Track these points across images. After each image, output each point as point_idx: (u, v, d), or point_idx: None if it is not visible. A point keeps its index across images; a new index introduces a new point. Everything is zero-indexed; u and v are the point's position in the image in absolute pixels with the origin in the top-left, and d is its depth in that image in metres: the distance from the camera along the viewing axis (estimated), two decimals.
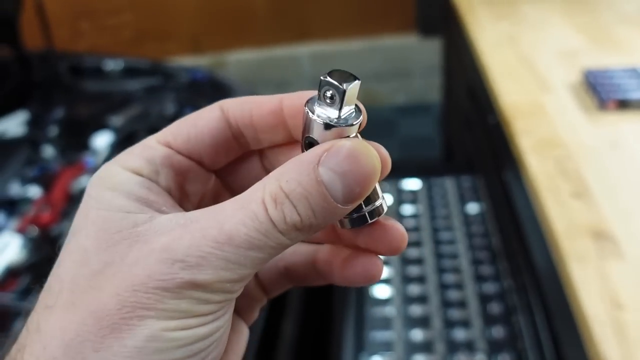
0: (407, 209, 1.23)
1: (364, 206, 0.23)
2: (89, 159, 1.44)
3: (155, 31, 2.88)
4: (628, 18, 1.13)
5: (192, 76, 1.76)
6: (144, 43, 2.92)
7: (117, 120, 1.58)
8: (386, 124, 2.80)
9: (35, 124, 1.67)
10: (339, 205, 0.20)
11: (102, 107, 1.67)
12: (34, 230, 1.19)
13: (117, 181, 0.22)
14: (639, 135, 0.74)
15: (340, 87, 0.21)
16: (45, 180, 1.38)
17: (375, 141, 0.25)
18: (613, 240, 0.56)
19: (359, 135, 0.24)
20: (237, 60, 2.82)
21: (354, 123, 0.23)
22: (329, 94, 0.22)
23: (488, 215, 1.17)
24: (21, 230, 1.20)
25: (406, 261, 1.10)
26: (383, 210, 0.24)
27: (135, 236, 0.20)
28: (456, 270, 1.08)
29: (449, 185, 1.28)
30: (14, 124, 1.64)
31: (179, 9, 2.77)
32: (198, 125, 0.25)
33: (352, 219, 0.23)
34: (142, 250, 0.19)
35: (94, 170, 1.41)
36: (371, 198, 0.23)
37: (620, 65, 0.91)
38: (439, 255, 1.11)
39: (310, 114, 0.22)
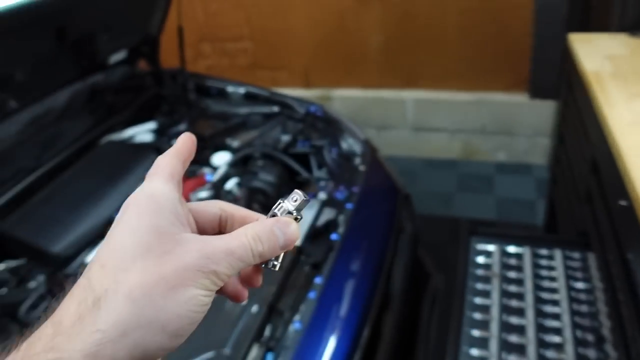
0: (511, 274, 1.21)
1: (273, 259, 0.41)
2: (208, 174, 1.54)
3: (270, 61, 3.04)
4: None
5: (306, 109, 1.85)
6: (257, 70, 3.09)
7: (235, 142, 1.68)
8: (484, 180, 2.76)
9: (162, 134, 1.81)
10: (279, 249, 0.39)
11: (222, 127, 1.78)
12: None
13: (170, 197, 0.37)
14: None
15: (305, 197, 0.40)
16: None
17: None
18: None
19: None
20: (342, 96, 2.92)
21: (298, 217, 0.40)
22: (294, 197, 0.40)
23: (598, 295, 1.13)
24: None
25: (507, 327, 1.09)
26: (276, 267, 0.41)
27: (177, 241, 0.35)
28: (558, 347, 1.05)
29: (557, 257, 1.25)
30: (143, 132, 1.79)
31: (295, 42, 2.92)
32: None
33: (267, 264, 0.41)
34: (185, 249, 0.34)
35: (212, 185, 1.50)
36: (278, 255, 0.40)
37: None
38: (541, 328, 1.08)
39: (282, 205, 0.40)
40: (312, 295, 1.04)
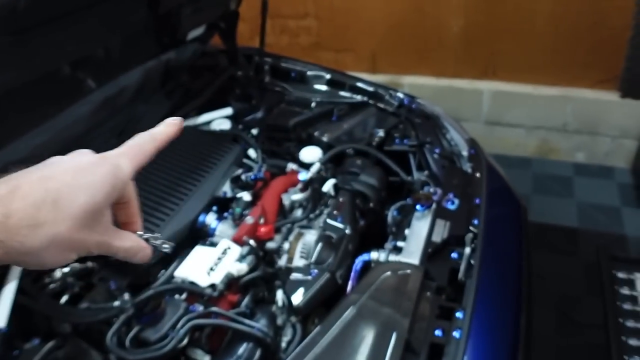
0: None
1: None
2: (300, 172, 1.37)
3: (335, 42, 2.84)
4: None
5: (399, 100, 1.66)
6: (320, 51, 2.89)
7: (324, 136, 1.51)
8: (562, 182, 2.56)
9: (237, 122, 1.65)
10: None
11: (305, 116, 1.61)
12: (252, 244, 1.12)
13: (126, 182, 0.51)
14: None
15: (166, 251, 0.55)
16: (256, 184, 1.33)
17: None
18: None
19: None
20: (412, 84, 2.72)
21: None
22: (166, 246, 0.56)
23: None
24: (238, 240, 1.14)
25: None
26: None
27: (99, 223, 0.48)
28: None
29: None
30: (219, 118, 1.63)
31: (364, 23, 2.72)
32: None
33: None
34: (95, 236, 0.48)
35: (306, 185, 1.34)
36: None
37: None
38: None
39: (155, 239, 0.55)
40: (456, 334, 0.88)
